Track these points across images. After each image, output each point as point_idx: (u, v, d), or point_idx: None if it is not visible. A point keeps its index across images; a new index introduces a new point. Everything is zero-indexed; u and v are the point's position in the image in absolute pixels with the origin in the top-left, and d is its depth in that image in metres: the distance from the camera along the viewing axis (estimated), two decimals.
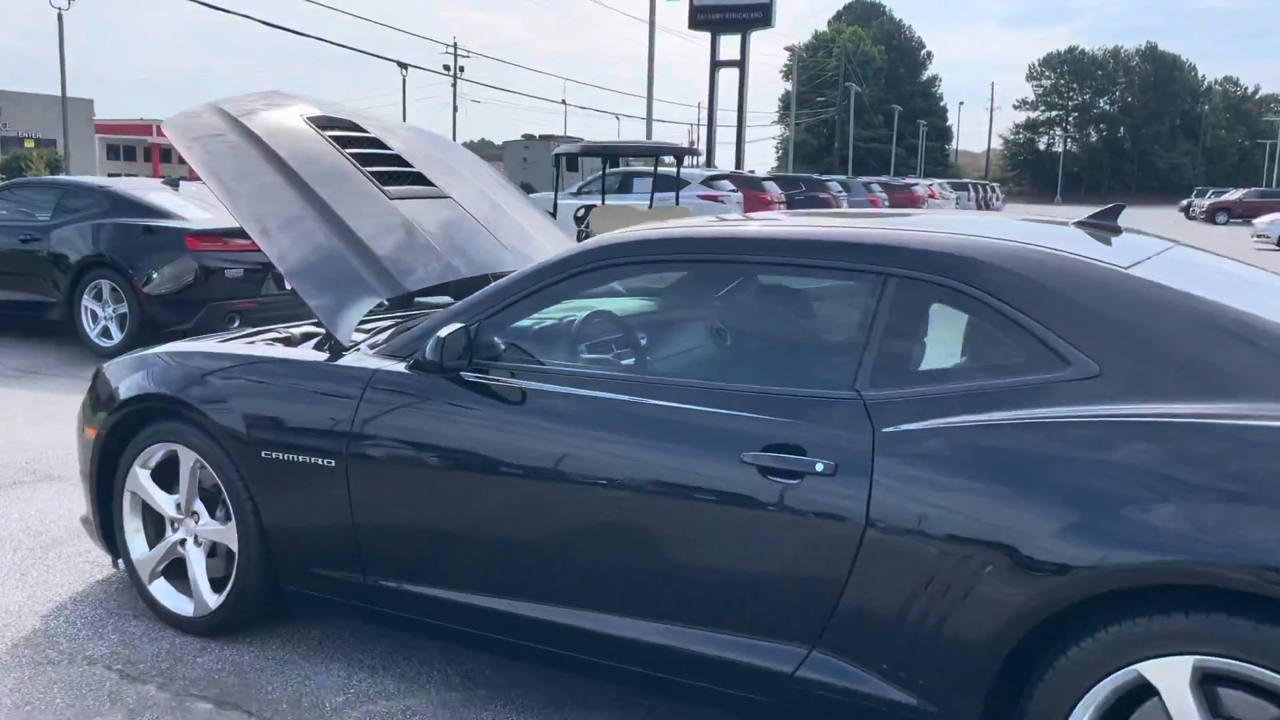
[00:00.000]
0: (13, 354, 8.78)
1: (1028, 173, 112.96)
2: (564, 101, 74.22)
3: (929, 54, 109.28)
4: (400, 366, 3.06)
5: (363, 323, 3.66)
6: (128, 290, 8.41)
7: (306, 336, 3.69)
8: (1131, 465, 2.14)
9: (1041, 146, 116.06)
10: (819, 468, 2.42)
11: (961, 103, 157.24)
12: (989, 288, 2.45)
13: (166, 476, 3.53)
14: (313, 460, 3.11)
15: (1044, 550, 2.16)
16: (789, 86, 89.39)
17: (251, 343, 3.62)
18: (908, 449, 2.35)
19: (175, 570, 3.57)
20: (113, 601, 3.77)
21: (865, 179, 33.73)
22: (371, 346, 3.27)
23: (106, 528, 3.70)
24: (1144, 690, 2.14)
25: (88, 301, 8.63)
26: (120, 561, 3.71)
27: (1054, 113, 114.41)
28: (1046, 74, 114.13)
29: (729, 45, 30.58)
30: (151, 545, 3.61)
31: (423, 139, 4.69)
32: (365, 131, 4.29)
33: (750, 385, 2.65)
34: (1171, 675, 2.09)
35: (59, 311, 8.79)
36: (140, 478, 3.56)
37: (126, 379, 3.56)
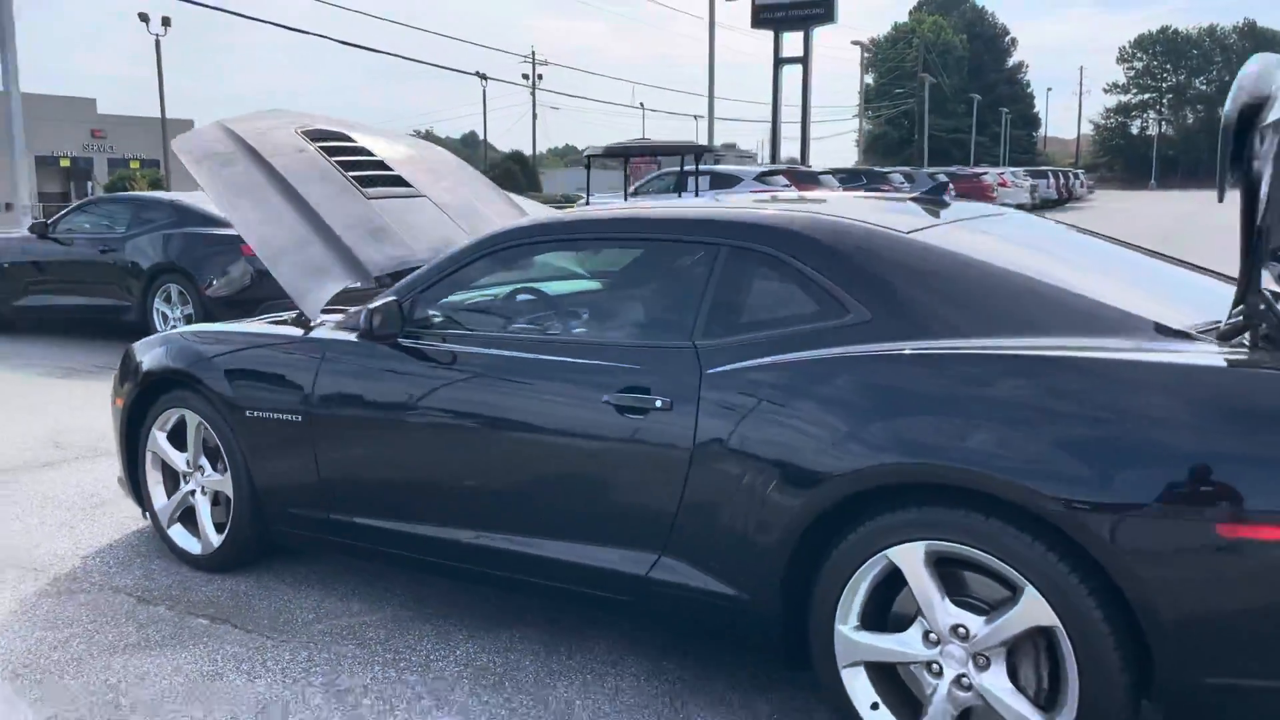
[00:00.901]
0: (90, 351, 9.75)
1: (1120, 158, 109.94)
2: (641, 105, 74.88)
3: (1013, 40, 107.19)
4: (351, 337, 3.67)
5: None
6: (193, 293, 9.28)
7: (299, 318, 4.33)
8: (880, 391, 2.64)
9: (1134, 131, 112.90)
10: (658, 404, 2.95)
11: (1050, 89, 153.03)
12: (793, 252, 2.95)
13: (179, 437, 4.21)
14: (284, 417, 3.74)
15: (813, 461, 2.66)
16: (871, 80, 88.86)
17: (251, 324, 4.28)
18: (723, 385, 2.87)
19: (188, 517, 4.24)
20: (141, 546, 4.46)
21: (932, 170, 33.68)
22: (336, 323, 3.89)
23: (134, 483, 4.40)
24: (897, 575, 2.62)
25: (159, 304, 9.53)
26: (146, 512, 4.40)
27: (1146, 95, 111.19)
28: (1138, 56, 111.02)
29: (792, 42, 30.91)
30: (169, 496, 4.29)
31: (413, 148, 5.32)
32: (353, 141, 4.93)
33: (615, 340, 3.20)
34: (909, 557, 2.57)
35: (134, 314, 9.71)
36: (158, 439, 4.24)
37: (148, 356, 4.25)
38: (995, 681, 2.53)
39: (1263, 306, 2.46)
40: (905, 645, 2.65)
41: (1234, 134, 2.45)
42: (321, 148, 4.72)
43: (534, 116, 60.61)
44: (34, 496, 5.19)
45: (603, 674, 3.29)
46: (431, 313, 3.57)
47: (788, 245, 2.98)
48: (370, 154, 4.90)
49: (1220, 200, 2.56)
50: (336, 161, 4.67)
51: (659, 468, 2.95)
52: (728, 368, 2.89)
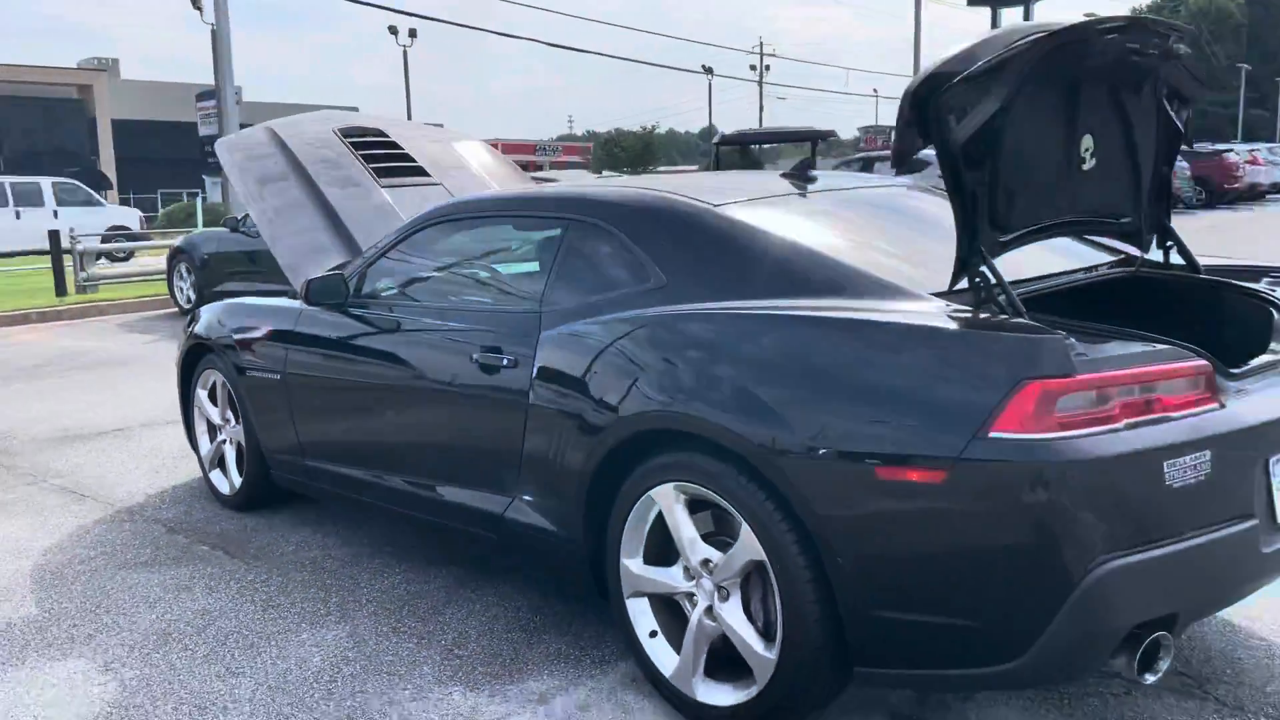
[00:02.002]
0: None
1: None
2: (874, 92, 73.39)
3: None
4: (313, 308, 4.22)
5: None
6: None
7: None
8: (649, 347, 2.89)
9: None
10: (505, 361, 3.31)
11: None
12: (617, 225, 3.23)
13: (215, 395, 4.93)
14: (269, 376, 4.35)
15: (599, 411, 2.96)
16: None
17: (257, 299, 4.91)
18: (551, 345, 3.19)
19: (224, 462, 4.95)
20: (196, 489, 5.23)
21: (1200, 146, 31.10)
22: None
23: (190, 434, 5.16)
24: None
25: None
26: (199, 458, 5.16)
27: None
28: None
29: (1012, 20, 29.61)
30: (210, 444, 5.02)
31: (442, 141, 5.83)
32: (385, 136, 5.51)
33: (489, 306, 3.58)
34: (665, 498, 2.82)
35: None
36: (200, 396, 4.98)
37: (194, 325, 5.00)
38: (731, 612, 2.74)
39: (982, 268, 2.57)
40: (670, 578, 2.90)
41: (916, 104, 2.53)
42: (352, 143, 5.32)
43: (760, 109, 60.79)
44: (143, 448, 6.12)
45: (492, 606, 3.69)
46: (373, 284, 4.07)
47: (614, 219, 3.26)
48: (398, 148, 5.46)
49: (896, 172, 2.66)
50: (361, 155, 5.25)
51: (508, 419, 3.30)
52: (557, 330, 3.21)
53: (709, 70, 59.50)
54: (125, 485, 5.36)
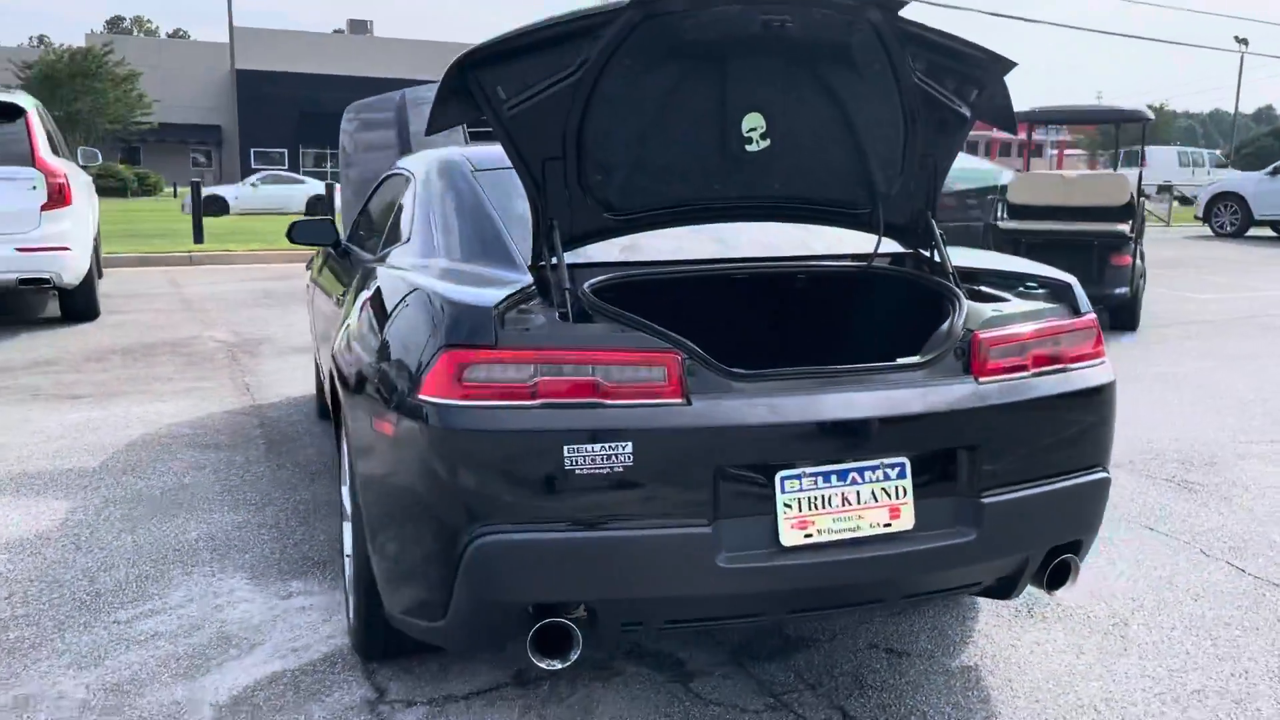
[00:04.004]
0: None
1: None
2: None
3: None
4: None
5: None
6: None
7: None
8: (358, 291, 3.21)
9: None
10: (342, 291, 3.76)
11: None
12: (416, 180, 3.52)
13: None
14: (311, 292, 5.13)
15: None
16: None
17: None
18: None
19: None
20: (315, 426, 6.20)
21: None
22: None
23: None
24: None
25: None
26: None
27: None
28: None
29: None
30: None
31: None
32: None
33: (371, 246, 4.02)
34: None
35: None
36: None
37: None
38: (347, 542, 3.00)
39: (542, 265, 2.60)
40: (346, 503, 3.20)
41: (460, 74, 2.53)
42: (472, 132, 5.91)
43: None
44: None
45: None
46: (350, 230, 4.67)
47: (414, 175, 3.56)
48: None
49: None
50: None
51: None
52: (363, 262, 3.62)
53: (1242, 41, 52.70)
54: (282, 390, 6.47)
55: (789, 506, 2.33)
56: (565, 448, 2.21)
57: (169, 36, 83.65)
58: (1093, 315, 2.76)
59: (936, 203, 2.96)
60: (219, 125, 51.71)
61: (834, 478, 2.36)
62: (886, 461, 2.40)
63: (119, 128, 40.62)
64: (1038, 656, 3.06)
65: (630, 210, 2.72)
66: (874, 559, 2.38)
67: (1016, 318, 2.62)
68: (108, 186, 33.16)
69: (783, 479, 2.32)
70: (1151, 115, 9.54)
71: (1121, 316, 8.91)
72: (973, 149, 58.74)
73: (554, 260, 2.55)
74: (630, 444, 2.22)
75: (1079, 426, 2.63)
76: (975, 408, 2.45)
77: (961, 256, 3.15)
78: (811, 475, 2.34)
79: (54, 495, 4.41)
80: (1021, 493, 2.50)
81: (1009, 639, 3.17)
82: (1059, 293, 2.80)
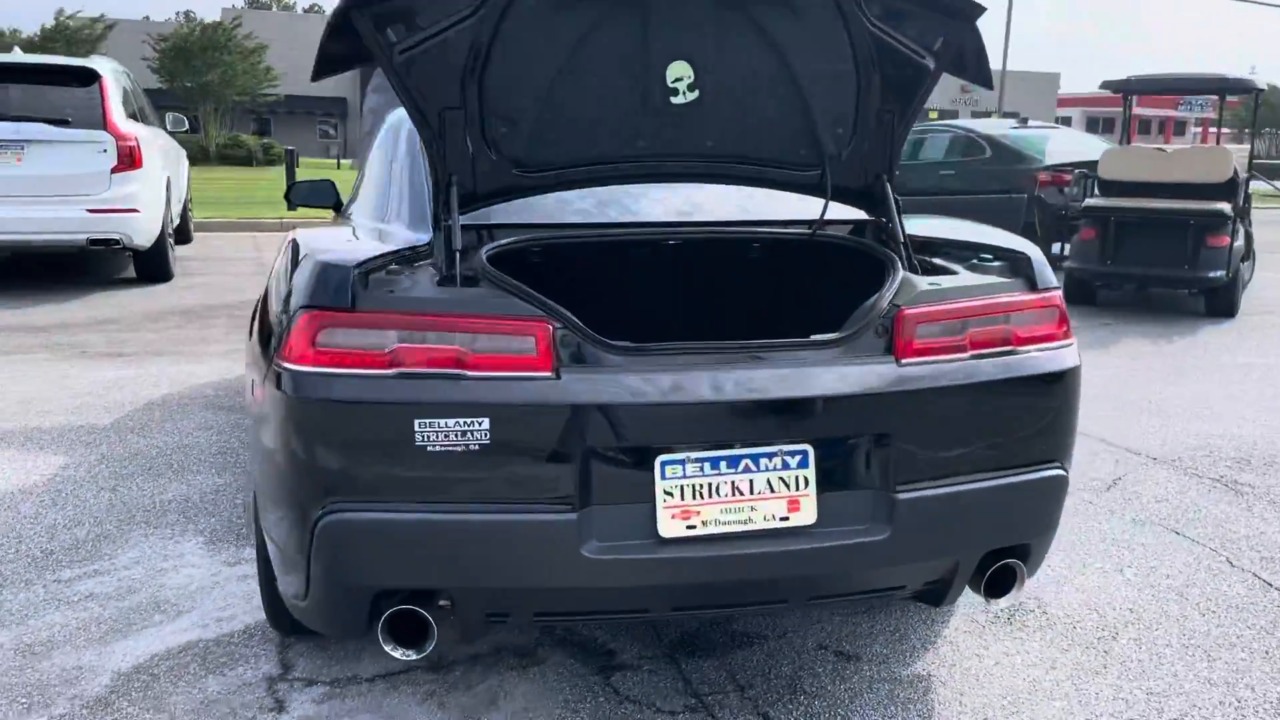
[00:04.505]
0: None
1: None
2: None
3: None
4: None
5: None
6: None
7: None
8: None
9: None
10: None
11: None
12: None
13: None
14: None
15: None
16: None
17: None
18: None
19: None
20: None
21: None
22: None
23: None
24: None
25: None
26: None
27: None
28: None
29: None
30: None
31: None
32: None
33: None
34: None
35: None
36: None
37: None
38: None
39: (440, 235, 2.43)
40: None
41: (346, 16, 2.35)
42: None
43: None
44: None
45: None
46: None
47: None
48: None
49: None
50: None
51: None
52: None
53: None
54: None
55: (669, 494, 2.11)
56: (417, 422, 2.04)
57: (305, 11, 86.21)
58: (1055, 291, 2.44)
59: (895, 165, 2.66)
60: (344, 98, 52.93)
61: (723, 464, 2.13)
62: (786, 449, 2.15)
63: (247, 99, 41.91)
64: (1002, 670, 2.77)
65: (541, 167, 2.52)
66: (769, 555, 2.15)
67: (954, 292, 2.33)
68: (235, 155, 34.23)
69: (663, 464, 2.11)
70: (1262, 85, 8.79)
71: (1217, 301, 8.27)
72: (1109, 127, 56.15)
73: (448, 220, 2.38)
74: (487, 420, 2.04)
75: (1029, 417, 2.34)
76: (892, 392, 2.18)
77: (926, 226, 2.85)
78: (696, 461, 2.12)
79: (55, 450, 4.45)
80: (947, 489, 2.23)
81: (976, 648, 2.88)
82: (1016, 265, 2.48)
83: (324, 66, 2.42)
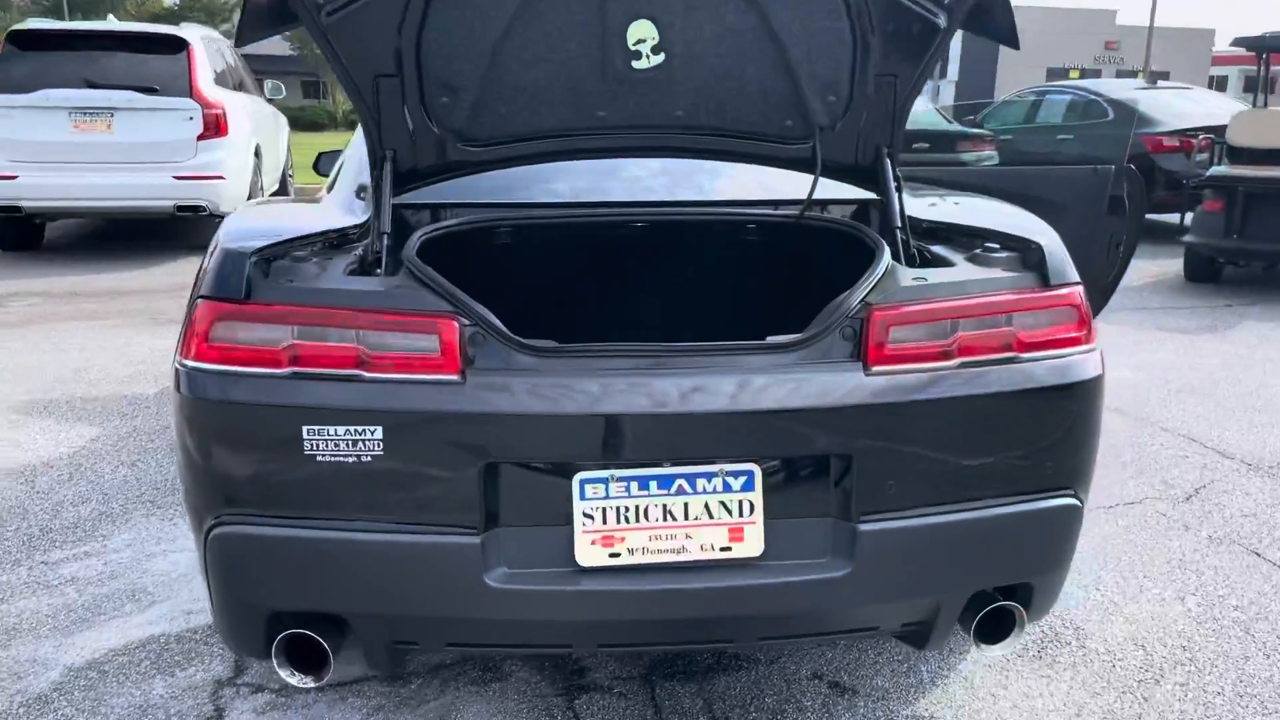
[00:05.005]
0: None
1: None
2: None
3: None
4: None
5: None
6: None
7: None
8: None
9: None
10: None
11: None
12: None
13: None
14: None
15: None
16: None
17: None
18: None
19: None
20: None
21: None
22: None
23: None
24: None
25: None
26: None
27: None
28: None
29: None
30: None
31: None
32: None
33: None
34: None
35: None
36: None
37: None
38: None
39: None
40: None
41: None
42: None
43: None
44: None
45: None
46: None
47: None
48: None
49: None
50: None
51: None
52: None
53: None
54: None
55: (589, 517, 1.86)
56: (305, 429, 1.83)
57: None
58: (1072, 288, 2.07)
59: (898, 137, 2.32)
60: None
61: (653, 485, 1.86)
62: (728, 469, 1.87)
63: None
64: (1018, 715, 2.43)
65: (488, 140, 2.27)
66: (706, 592, 1.88)
67: (943, 289, 1.99)
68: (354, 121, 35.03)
69: (582, 483, 1.86)
70: None
71: None
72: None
73: (381, 200, 2.16)
74: (380, 429, 1.82)
75: (1034, 436, 1.99)
76: (857, 405, 1.87)
77: (944, 207, 2.49)
78: (622, 480, 1.86)
79: (91, 422, 4.44)
80: (922, 519, 1.91)
81: (993, 685, 2.55)
82: (1027, 256, 2.12)
83: (250, 28, 2.21)
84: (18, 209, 8.05)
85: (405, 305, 1.88)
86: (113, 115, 8.04)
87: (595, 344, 1.92)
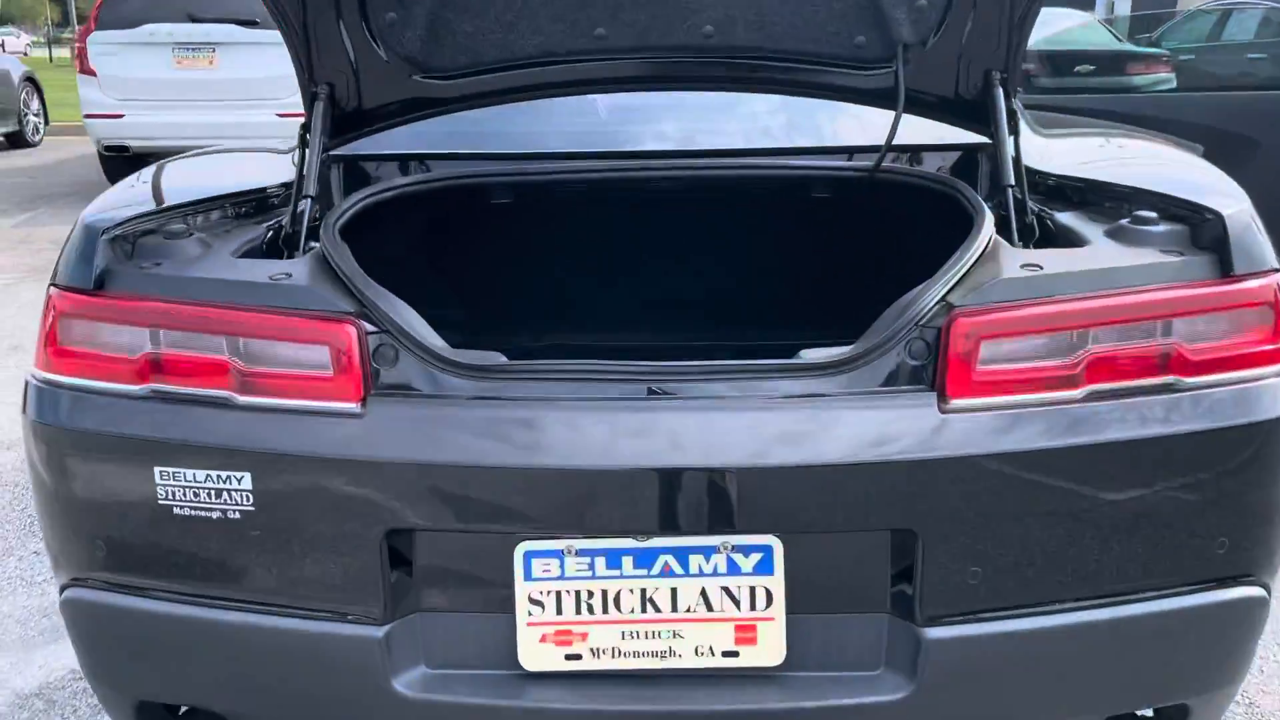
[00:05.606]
0: None
1: None
2: None
3: None
4: None
5: None
6: None
7: None
8: None
9: None
10: None
11: None
12: None
13: None
14: None
15: None
16: None
17: None
18: None
19: None
20: None
21: None
22: None
23: None
24: None
25: None
26: None
27: None
28: None
29: None
30: None
31: None
32: None
33: None
34: None
35: None
36: None
37: None
38: None
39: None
40: None
41: None
42: None
43: None
44: None
45: None
46: None
47: None
48: None
49: None
50: None
51: None
52: None
53: None
54: None
55: (538, 605, 1.33)
56: (158, 471, 1.35)
57: None
58: (1267, 279, 1.39)
59: (1017, 59, 1.65)
60: None
61: (626, 562, 1.32)
62: (736, 542, 1.31)
63: None
64: None
65: (454, 69, 1.72)
66: (703, 716, 1.33)
67: (1066, 280, 1.35)
68: None
69: (527, 556, 1.32)
70: None
71: None
72: None
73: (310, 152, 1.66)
74: (247, 476, 1.32)
75: (1201, 501, 1.35)
76: (929, 459, 1.27)
77: (1077, 154, 1.81)
78: (583, 555, 1.32)
79: None
80: (1021, 623, 1.31)
81: None
82: (1200, 230, 1.44)
83: None
84: (125, 148, 7.93)
85: (293, 302, 1.37)
86: (214, 51, 7.81)
87: (555, 362, 1.37)
